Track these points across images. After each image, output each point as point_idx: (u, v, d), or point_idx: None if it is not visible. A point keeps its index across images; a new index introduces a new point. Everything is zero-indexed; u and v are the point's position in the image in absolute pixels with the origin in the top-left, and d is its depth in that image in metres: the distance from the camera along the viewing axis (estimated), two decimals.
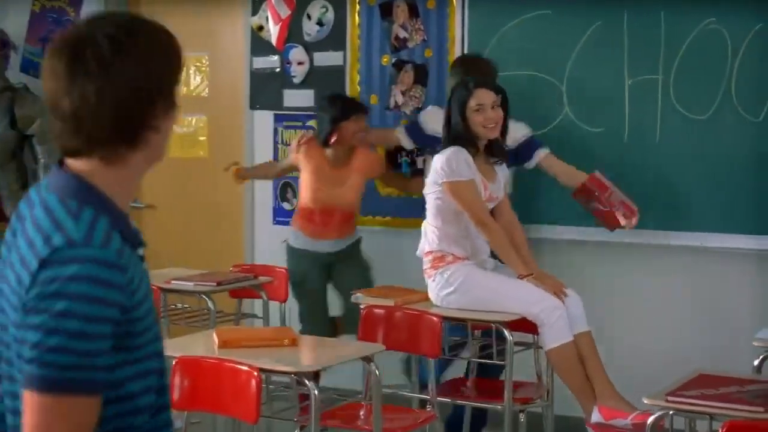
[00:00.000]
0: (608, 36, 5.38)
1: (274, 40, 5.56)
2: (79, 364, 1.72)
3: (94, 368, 1.74)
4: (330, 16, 6.08)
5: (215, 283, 5.08)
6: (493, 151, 4.77)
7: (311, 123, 6.12)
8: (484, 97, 4.68)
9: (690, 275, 5.35)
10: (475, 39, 5.67)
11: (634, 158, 5.34)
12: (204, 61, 6.60)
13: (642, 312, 5.44)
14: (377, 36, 5.96)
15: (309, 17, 6.12)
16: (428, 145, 5.34)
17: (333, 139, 5.41)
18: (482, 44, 5.64)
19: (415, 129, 5.49)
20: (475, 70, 5.11)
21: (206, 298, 5.00)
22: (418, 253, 4.78)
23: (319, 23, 6.10)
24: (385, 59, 5.95)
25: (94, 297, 1.73)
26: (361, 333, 4.46)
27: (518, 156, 5.16)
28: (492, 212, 4.76)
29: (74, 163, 1.87)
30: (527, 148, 5.18)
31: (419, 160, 5.86)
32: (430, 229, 4.77)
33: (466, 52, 5.68)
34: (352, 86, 6.03)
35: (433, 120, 5.20)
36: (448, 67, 5.74)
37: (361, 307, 4.60)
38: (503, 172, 4.85)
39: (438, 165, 4.65)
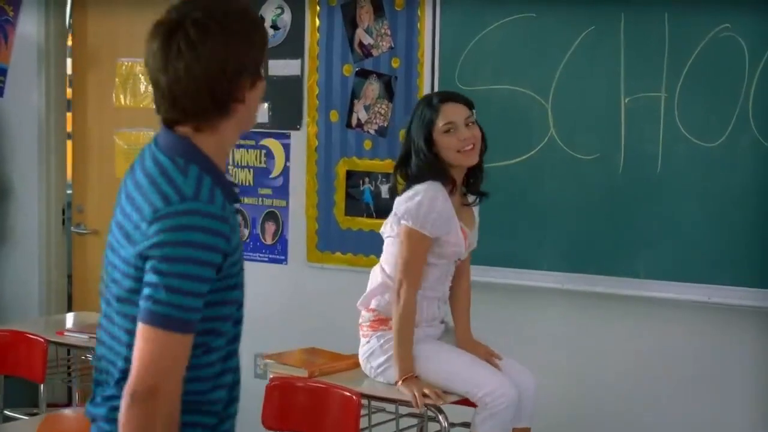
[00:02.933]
0: (602, 44, 4.45)
1: None
2: (185, 304, 1.99)
3: (197, 309, 2.01)
4: (286, 18, 5.23)
5: None
6: (470, 185, 3.87)
7: (264, 142, 5.29)
8: (453, 112, 3.78)
9: (690, 336, 4.41)
10: (447, 46, 4.78)
11: (630, 192, 4.41)
12: None
13: (627, 377, 4.52)
14: (339, 42, 5.09)
15: (262, 19, 5.27)
16: None
17: None
18: (455, 52, 4.75)
19: None
20: None
21: None
22: (359, 304, 3.91)
23: (274, 26, 5.25)
24: (347, 69, 5.08)
25: (203, 244, 2.00)
26: (263, 412, 3.60)
27: None
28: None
29: (177, 128, 2.13)
30: None
31: (384, 189, 4.99)
32: (383, 281, 3.88)
33: (437, 61, 4.80)
34: (311, 100, 5.17)
35: None
36: (417, 79, 4.87)
37: (269, 376, 3.74)
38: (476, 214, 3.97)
39: (406, 203, 3.74)
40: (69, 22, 6.09)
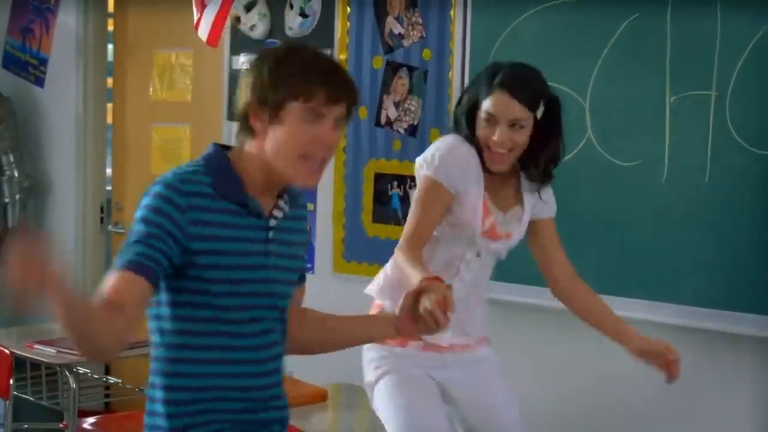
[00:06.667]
0: (646, 36, 3.89)
1: (204, 35, 4.35)
2: (128, 249, 2.21)
3: (139, 255, 2.20)
4: (315, 5, 4.79)
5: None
6: (530, 173, 3.18)
7: None
8: (501, 106, 3.03)
9: (746, 374, 3.81)
10: (478, 36, 4.27)
11: (674, 205, 3.85)
12: (188, 60, 5.42)
13: (673, 415, 3.97)
14: (369, 31, 4.63)
15: (291, 6, 4.85)
16: None
17: None
18: (487, 43, 4.24)
19: None
20: None
21: (68, 374, 3.80)
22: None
23: (302, 14, 4.82)
24: (376, 61, 4.62)
25: (150, 206, 2.24)
26: None
27: None
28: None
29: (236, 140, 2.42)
30: None
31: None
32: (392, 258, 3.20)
33: (468, 52, 4.30)
34: None
35: None
36: (449, 72, 4.38)
37: None
38: (546, 204, 3.26)
39: (426, 152, 3.12)
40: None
